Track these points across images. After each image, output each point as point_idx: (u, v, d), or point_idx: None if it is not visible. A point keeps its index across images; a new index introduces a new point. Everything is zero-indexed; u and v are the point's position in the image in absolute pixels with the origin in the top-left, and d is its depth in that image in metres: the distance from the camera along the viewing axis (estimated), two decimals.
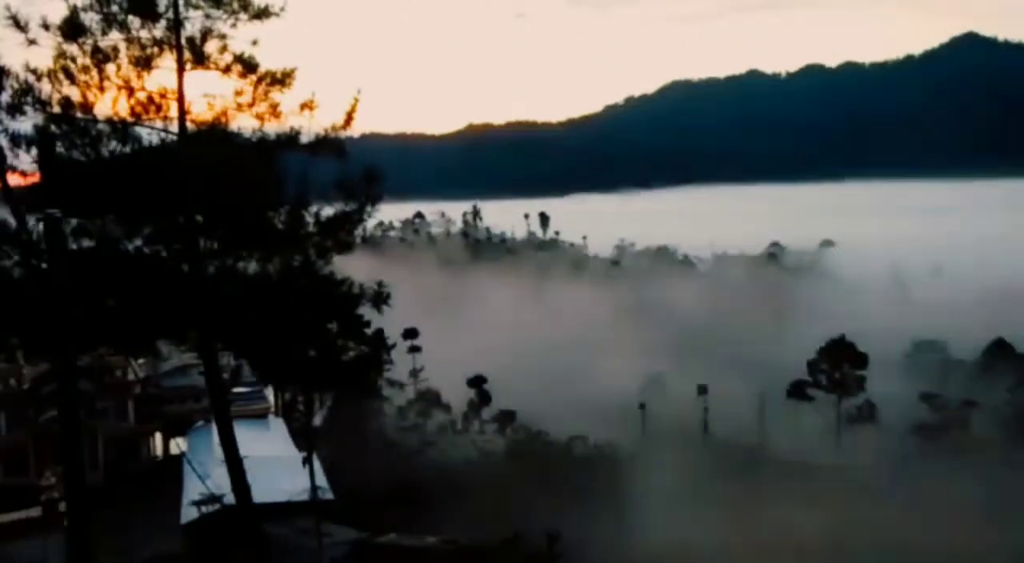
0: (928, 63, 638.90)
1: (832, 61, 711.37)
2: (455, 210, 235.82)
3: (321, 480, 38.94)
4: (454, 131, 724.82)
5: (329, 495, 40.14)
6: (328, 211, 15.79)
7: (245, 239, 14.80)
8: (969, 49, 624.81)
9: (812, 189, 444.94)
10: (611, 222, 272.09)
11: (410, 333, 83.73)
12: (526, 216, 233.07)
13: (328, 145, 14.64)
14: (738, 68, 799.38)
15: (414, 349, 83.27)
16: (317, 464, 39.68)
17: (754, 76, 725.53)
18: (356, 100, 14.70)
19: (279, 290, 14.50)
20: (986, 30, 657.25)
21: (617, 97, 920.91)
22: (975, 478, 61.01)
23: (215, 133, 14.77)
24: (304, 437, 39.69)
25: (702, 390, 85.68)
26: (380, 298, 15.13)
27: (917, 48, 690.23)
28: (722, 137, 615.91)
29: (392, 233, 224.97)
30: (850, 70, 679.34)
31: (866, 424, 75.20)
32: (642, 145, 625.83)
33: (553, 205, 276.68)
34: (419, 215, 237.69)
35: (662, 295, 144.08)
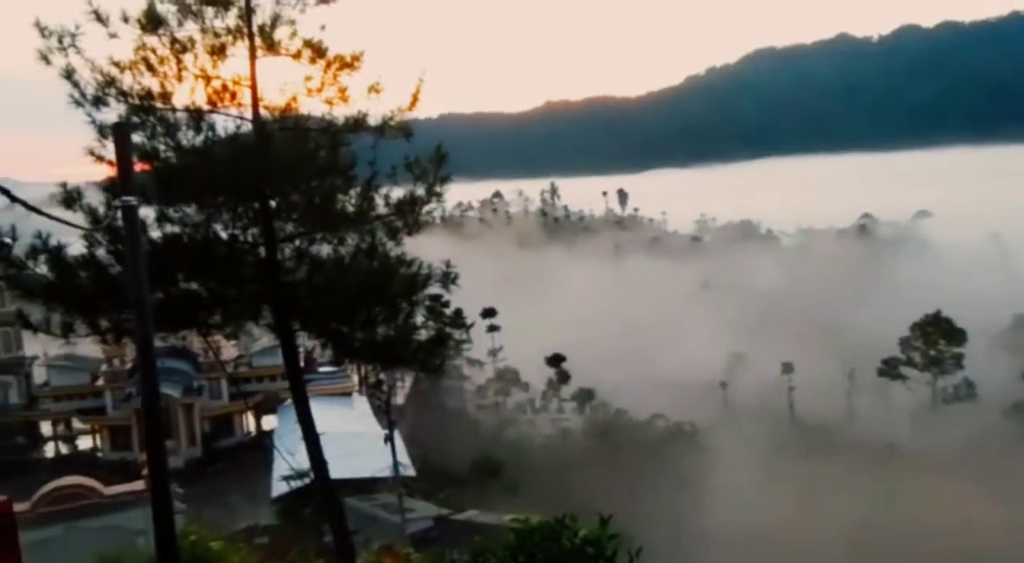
0: None
1: (929, 21, 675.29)
2: (533, 188, 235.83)
3: (403, 457, 39.84)
4: (532, 109, 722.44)
5: (411, 472, 41.10)
6: (398, 193, 15.90)
7: (317, 222, 15.09)
8: None
9: (906, 156, 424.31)
10: (692, 197, 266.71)
11: (489, 312, 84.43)
12: (604, 193, 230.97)
13: (395, 127, 14.70)
14: (827, 32, 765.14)
15: (493, 328, 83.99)
16: (399, 441, 40.61)
17: (844, 40, 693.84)
18: (420, 81, 14.69)
19: (350, 271, 14.75)
20: None
21: (698, 68, 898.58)
22: None
23: (287, 119, 15.05)
24: (387, 415, 40.60)
25: (787, 368, 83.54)
26: (448, 278, 15.19)
27: (1022, 4, 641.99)
28: (809, 106, 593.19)
29: (471, 213, 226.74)
30: (949, 29, 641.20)
31: (963, 404, 71.70)
32: (724, 117, 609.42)
33: (632, 181, 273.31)
34: (497, 194, 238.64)
35: (745, 271, 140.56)
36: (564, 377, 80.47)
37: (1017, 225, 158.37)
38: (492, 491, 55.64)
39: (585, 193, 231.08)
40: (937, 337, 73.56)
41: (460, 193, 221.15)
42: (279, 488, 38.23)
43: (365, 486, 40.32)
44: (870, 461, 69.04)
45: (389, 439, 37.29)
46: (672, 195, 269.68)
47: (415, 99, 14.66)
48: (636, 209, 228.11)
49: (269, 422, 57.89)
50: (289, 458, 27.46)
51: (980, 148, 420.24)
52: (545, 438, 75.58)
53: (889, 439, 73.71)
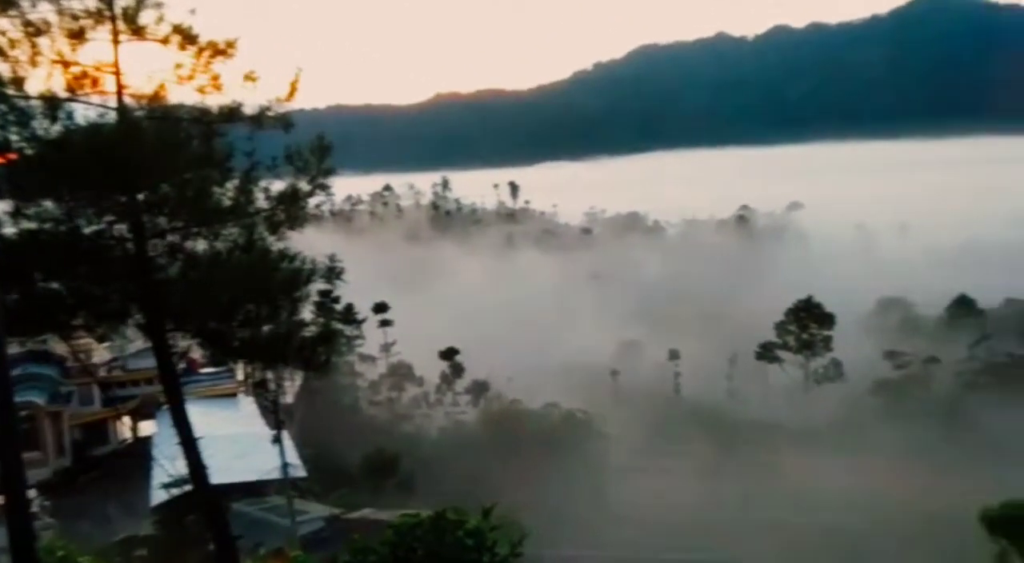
0: (894, 23, 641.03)
1: (799, 22, 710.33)
2: (424, 181, 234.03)
3: (292, 457, 38.73)
4: (422, 101, 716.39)
5: (301, 472, 40.01)
6: (281, 186, 15.35)
7: (191, 215, 14.38)
8: (932, 8, 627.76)
9: (780, 151, 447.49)
10: (581, 190, 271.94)
11: (380, 307, 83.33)
12: (495, 186, 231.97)
13: (273, 117, 14.16)
14: (706, 31, 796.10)
15: (385, 323, 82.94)
16: (288, 441, 39.47)
17: (722, 39, 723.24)
18: (299, 71, 14.22)
19: (227, 267, 14.12)
20: None
21: (586, 63, 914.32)
22: (932, 432, 62.63)
23: (155, 107, 14.24)
24: (274, 415, 39.38)
25: (674, 355, 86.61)
26: (333, 273, 14.81)
27: (883, 7, 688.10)
28: (691, 101, 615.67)
29: (361, 206, 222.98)
30: (817, 31, 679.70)
31: (833, 383, 76.52)
32: (611, 111, 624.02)
33: (523, 174, 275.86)
34: (388, 187, 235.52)
35: (633, 261, 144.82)
36: (458, 370, 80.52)
37: (880, 216, 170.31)
38: (387, 488, 55.11)
39: (477, 186, 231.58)
40: (809, 321, 78.11)
41: (350, 186, 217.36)
42: (158, 496, 36.37)
43: (254, 489, 38.98)
44: (750, 439, 72.76)
45: (277, 440, 36.19)
46: (562, 188, 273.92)
47: (294, 89, 14.18)
48: (527, 202, 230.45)
49: (148, 428, 55.06)
50: (168, 464, 26.16)
51: (847, 143, 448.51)
52: (440, 431, 75.48)
53: (767, 418, 77.84)
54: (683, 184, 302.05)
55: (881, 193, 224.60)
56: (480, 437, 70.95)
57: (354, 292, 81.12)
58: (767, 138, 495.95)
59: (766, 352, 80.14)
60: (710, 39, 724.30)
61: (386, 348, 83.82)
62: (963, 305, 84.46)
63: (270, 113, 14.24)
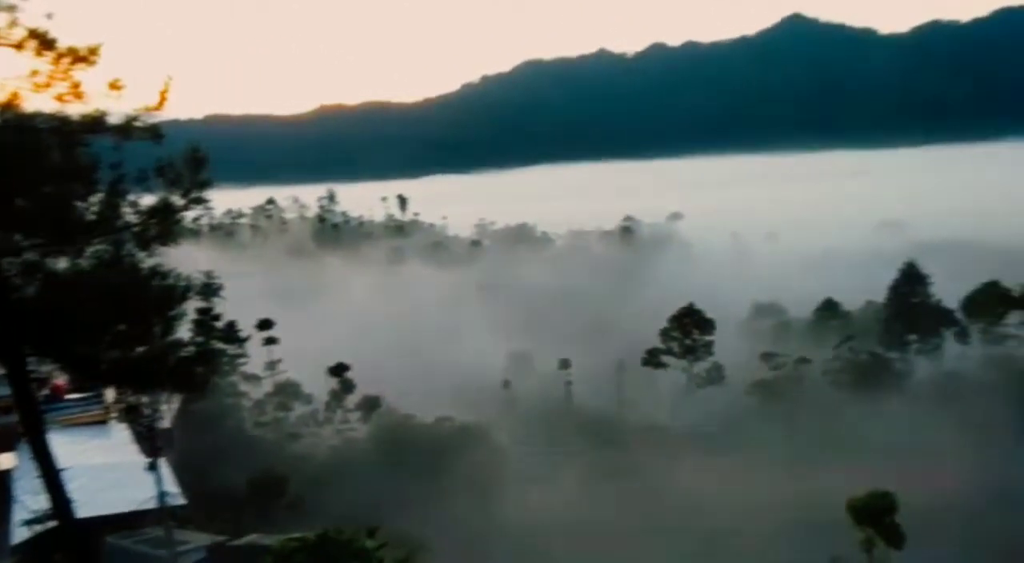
0: (761, 43, 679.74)
1: (675, 40, 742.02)
2: (309, 194, 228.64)
3: (170, 485, 36.69)
4: (305, 112, 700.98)
5: (180, 500, 37.95)
6: (151, 200, 14.57)
7: (51, 231, 13.42)
8: (795, 30, 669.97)
9: (660, 164, 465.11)
10: (471, 202, 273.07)
11: (265, 324, 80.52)
12: (384, 199, 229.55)
13: (141, 128, 13.43)
14: (588, 47, 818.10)
15: (270, 341, 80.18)
16: (166, 468, 37.40)
17: (603, 55, 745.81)
18: (169, 79, 13.57)
19: (92, 286, 13.26)
20: (809, 12, 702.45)
21: (473, 76, 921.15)
22: (804, 428, 66.41)
23: (8, 116, 13.24)
24: (149, 441, 37.19)
25: (564, 364, 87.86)
26: (210, 290, 14.16)
27: (751, 28, 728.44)
28: (576, 116, 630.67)
29: (243, 220, 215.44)
30: (691, 49, 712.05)
31: (715, 386, 79.74)
32: (499, 124, 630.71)
33: (411, 187, 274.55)
34: (271, 201, 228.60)
35: (523, 273, 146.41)
36: (348, 386, 78.74)
37: (753, 225, 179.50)
38: (276, 511, 53.16)
39: (364, 199, 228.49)
40: (691, 327, 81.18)
41: (230, 199, 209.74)
42: (20, 534, 33.65)
43: (128, 522, 36.65)
44: (639, 443, 74.84)
45: (153, 467, 34.19)
46: (452, 200, 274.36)
47: (163, 98, 13.51)
48: (416, 214, 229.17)
49: (7, 461, 50.86)
50: (30, 499, 24.23)
51: (722, 157, 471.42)
52: (331, 450, 73.52)
53: (655, 422, 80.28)
54: (570, 196, 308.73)
55: (753, 204, 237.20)
56: (372, 454, 69.60)
57: (237, 309, 78.03)
58: (648, 151, 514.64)
59: (652, 358, 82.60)
60: (592, 55, 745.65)
61: (272, 366, 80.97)
62: (829, 308, 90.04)
63: (138, 123, 13.52)
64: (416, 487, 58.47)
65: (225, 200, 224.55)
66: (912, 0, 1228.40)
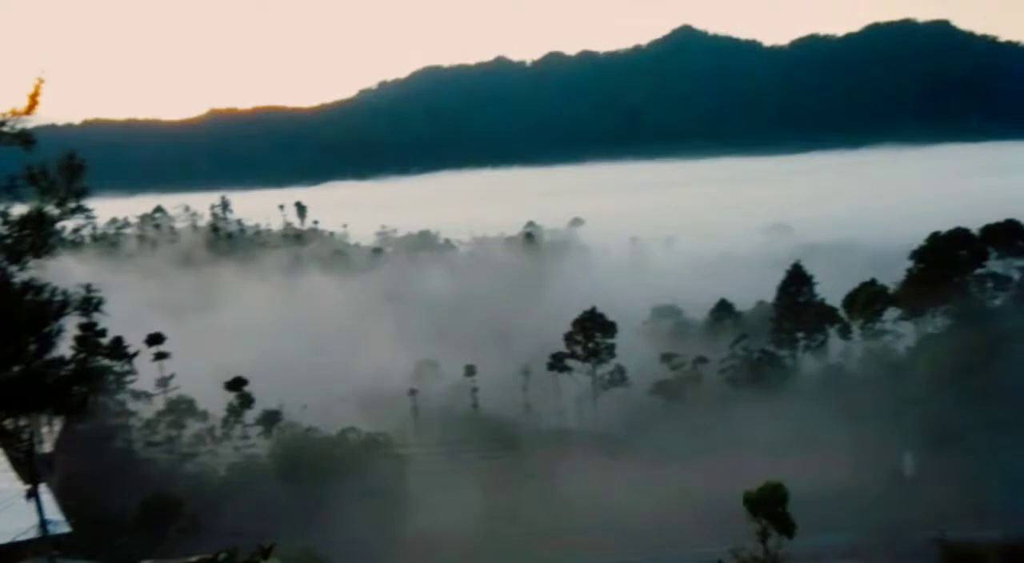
0: (653, 53, 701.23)
1: (571, 50, 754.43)
2: (201, 202, 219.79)
3: (52, 512, 34.35)
4: (195, 117, 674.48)
5: (64, 528, 35.57)
6: (23, 209, 13.50)
7: None
8: (685, 41, 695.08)
9: (560, 171, 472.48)
10: (371, 210, 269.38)
11: (155, 338, 76.66)
12: (281, 207, 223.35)
13: (9, 133, 12.41)
14: (486, 55, 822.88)
15: (161, 356, 76.39)
16: (47, 495, 34.96)
17: (501, 63, 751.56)
18: (40, 81, 12.60)
19: None
20: (698, 24, 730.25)
21: (370, 82, 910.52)
22: (703, 426, 68.72)
23: None
24: (28, 467, 34.65)
25: (470, 371, 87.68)
26: (90, 304, 13.21)
27: (644, 39, 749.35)
28: (475, 122, 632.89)
29: (128, 230, 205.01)
30: (588, 59, 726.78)
31: (617, 388, 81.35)
32: (399, 131, 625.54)
33: (310, 194, 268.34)
34: (159, 209, 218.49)
35: (427, 280, 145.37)
36: (247, 401, 75.96)
37: (651, 230, 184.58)
38: (170, 534, 50.65)
39: (260, 207, 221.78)
40: (593, 331, 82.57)
41: (114, 208, 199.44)
42: None
43: (7, 553, 34.06)
44: (544, 447, 75.59)
45: (33, 494, 31.90)
46: (352, 207, 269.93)
47: (33, 101, 12.52)
48: (316, 222, 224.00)
49: None
50: None
51: (619, 164, 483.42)
52: (229, 468, 70.78)
53: (560, 425, 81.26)
54: (472, 202, 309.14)
55: (650, 209, 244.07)
56: (273, 470, 67.42)
57: (125, 323, 74.12)
58: (548, 158, 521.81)
59: (557, 362, 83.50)
60: (491, 62, 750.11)
61: (163, 382, 77.10)
62: (723, 309, 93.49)
63: (5, 128, 12.49)
64: (319, 502, 56.96)
65: (109, 209, 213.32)
66: (792, 15, 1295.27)
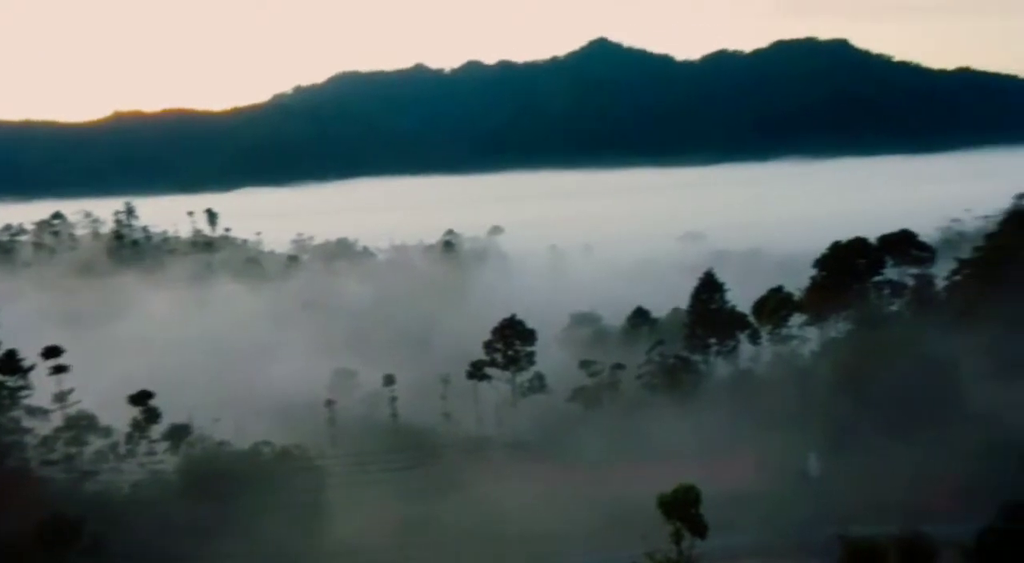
0: (570, 64, 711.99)
1: (490, 58, 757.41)
2: (104, 208, 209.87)
3: None
4: (98, 119, 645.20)
5: None
6: None
7: None
8: (601, 53, 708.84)
9: (480, 179, 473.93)
10: (287, 217, 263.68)
11: (52, 351, 72.68)
12: (190, 213, 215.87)
13: None
14: (405, 62, 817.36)
15: (59, 369, 72.46)
16: None
17: (420, 70, 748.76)
18: None
19: None
20: (613, 37, 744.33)
21: (285, 86, 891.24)
22: (620, 431, 69.91)
23: None
24: None
25: (389, 380, 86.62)
26: None
27: (561, 50, 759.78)
28: (394, 129, 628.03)
29: (23, 237, 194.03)
30: (506, 68, 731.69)
31: (537, 395, 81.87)
32: (315, 136, 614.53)
33: (221, 201, 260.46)
34: (58, 215, 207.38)
35: (344, 288, 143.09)
36: (153, 415, 72.82)
37: (569, 238, 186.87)
38: (70, 557, 48.02)
39: (168, 213, 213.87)
40: (513, 338, 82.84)
41: (9, 214, 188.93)
42: None
43: None
44: (464, 455, 75.53)
45: None
46: (266, 215, 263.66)
47: None
48: (228, 230, 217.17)
49: None
50: None
51: (538, 173, 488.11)
52: (134, 486, 67.66)
53: (479, 434, 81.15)
54: (390, 210, 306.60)
55: (569, 217, 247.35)
56: (182, 487, 64.84)
57: (19, 335, 70.23)
58: (467, 166, 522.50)
59: (476, 370, 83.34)
60: (409, 69, 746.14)
61: (61, 397, 73.06)
62: (640, 316, 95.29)
63: None
64: (230, 518, 55.07)
65: (3, 215, 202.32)
66: (702, 30, 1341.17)
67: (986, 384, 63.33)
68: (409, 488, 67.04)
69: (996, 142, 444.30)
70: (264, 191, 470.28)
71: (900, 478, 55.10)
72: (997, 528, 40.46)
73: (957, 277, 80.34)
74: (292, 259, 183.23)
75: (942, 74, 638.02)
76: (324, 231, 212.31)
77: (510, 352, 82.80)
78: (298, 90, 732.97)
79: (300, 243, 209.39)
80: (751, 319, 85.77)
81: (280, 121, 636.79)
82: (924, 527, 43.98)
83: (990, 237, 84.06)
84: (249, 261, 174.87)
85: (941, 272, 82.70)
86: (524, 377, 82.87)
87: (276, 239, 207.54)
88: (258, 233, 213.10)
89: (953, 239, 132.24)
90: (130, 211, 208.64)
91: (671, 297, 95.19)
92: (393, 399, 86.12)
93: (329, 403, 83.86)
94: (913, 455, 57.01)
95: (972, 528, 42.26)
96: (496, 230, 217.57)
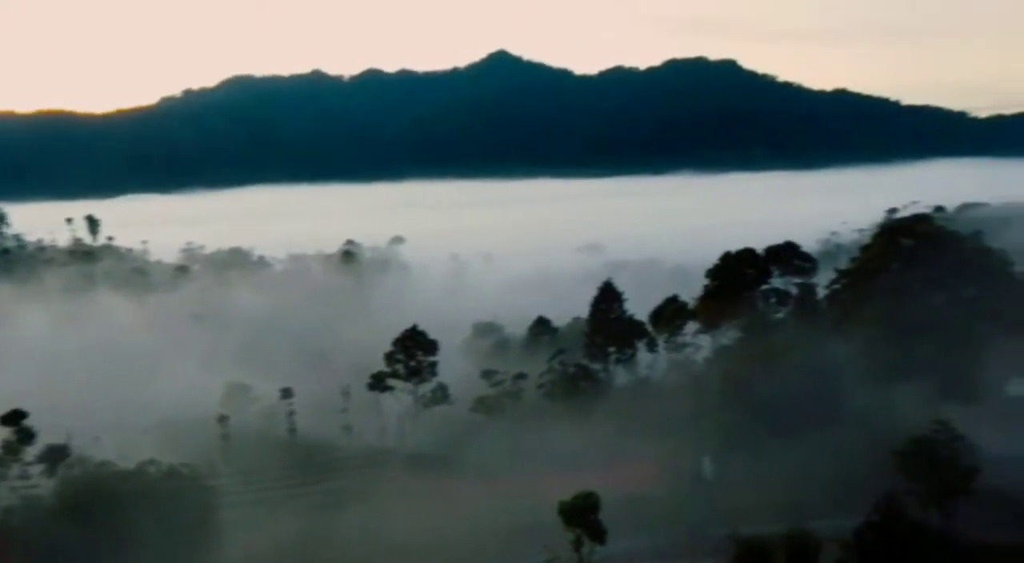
0: (470, 75, 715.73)
1: (390, 67, 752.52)
2: None
3: None
4: None
5: None
6: None
7: None
8: (501, 66, 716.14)
9: (379, 187, 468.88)
10: (176, 225, 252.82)
11: None
12: (69, 220, 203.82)
13: None
14: (302, 68, 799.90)
15: None
16: None
17: (318, 76, 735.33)
18: None
19: None
20: (514, 50, 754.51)
21: (174, 89, 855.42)
22: (523, 440, 70.37)
23: None
24: None
25: (286, 393, 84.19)
26: None
27: (462, 61, 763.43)
28: (290, 136, 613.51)
29: None
30: (407, 77, 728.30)
31: (440, 405, 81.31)
32: (206, 142, 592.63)
33: (103, 207, 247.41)
34: None
35: (239, 299, 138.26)
36: (26, 436, 68.07)
37: (470, 248, 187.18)
38: None
39: (44, 221, 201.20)
40: (415, 349, 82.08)
41: None
42: None
43: None
44: (364, 469, 74.20)
45: None
46: (153, 223, 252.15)
47: None
48: (111, 238, 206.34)
49: None
50: None
51: (439, 183, 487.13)
52: (4, 512, 62.78)
53: (381, 446, 79.90)
54: (287, 219, 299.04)
55: (470, 227, 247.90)
56: (58, 511, 60.57)
57: None
58: (366, 175, 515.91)
59: (378, 382, 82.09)
60: (306, 75, 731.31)
61: None
62: (541, 325, 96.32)
63: None
64: (111, 544, 52.02)
65: None
66: (600, 46, 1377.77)
67: (863, 387, 67.26)
68: (305, 505, 65.26)
69: (870, 160, 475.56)
70: (150, 198, 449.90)
71: (787, 478, 57.64)
72: (873, 522, 42.98)
73: (836, 286, 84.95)
74: (181, 269, 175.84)
75: (821, 95, 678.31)
76: (216, 240, 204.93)
77: (412, 363, 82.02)
78: (188, 93, 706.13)
79: (190, 252, 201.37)
80: (648, 327, 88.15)
81: (168, 125, 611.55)
82: (809, 524, 46.19)
83: (865, 249, 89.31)
84: (134, 271, 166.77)
85: (822, 281, 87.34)
86: (426, 388, 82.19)
87: (164, 248, 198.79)
88: (144, 242, 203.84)
89: (832, 250, 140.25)
90: (1, 217, 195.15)
91: (571, 307, 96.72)
92: (291, 413, 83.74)
93: (222, 419, 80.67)
94: (799, 456, 59.76)
95: (852, 523, 44.71)
96: (397, 240, 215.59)
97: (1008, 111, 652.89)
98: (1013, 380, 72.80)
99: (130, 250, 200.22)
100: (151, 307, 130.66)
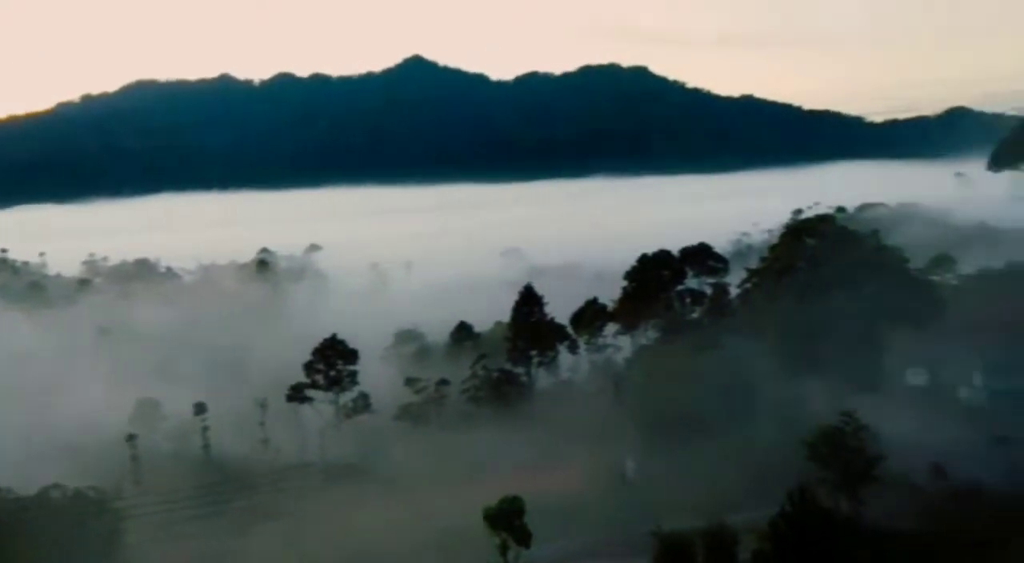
0: (385, 80, 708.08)
1: (303, 71, 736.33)
2: None
3: None
4: None
5: None
6: None
7: None
8: (416, 71, 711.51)
9: (294, 195, 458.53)
10: (76, 236, 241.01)
11: None
12: None
13: None
14: (210, 72, 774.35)
15: None
16: None
17: (226, 80, 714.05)
18: None
19: None
20: (429, 55, 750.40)
21: (72, 94, 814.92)
22: (448, 446, 70.02)
23: None
24: None
25: (200, 409, 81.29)
26: None
27: (377, 66, 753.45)
28: (196, 143, 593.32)
29: None
30: (320, 82, 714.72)
31: (362, 415, 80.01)
32: (106, 149, 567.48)
33: None
34: None
35: (146, 313, 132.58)
36: None
37: (390, 255, 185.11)
38: None
39: None
40: (335, 359, 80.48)
41: None
42: None
43: None
44: (283, 482, 72.38)
45: None
46: (51, 234, 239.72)
47: None
48: (4, 250, 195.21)
49: None
50: None
51: (355, 189, 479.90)
52: None
53: (300, 459, 78.04)
54: (197, 228, 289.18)
55: (389, 234, 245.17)
56: None
57: None
58: (279, 182, 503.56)
59: (297, 393, 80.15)
60: (214, 80, 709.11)
61: None
62: (463, 330, 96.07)
63: None
64: None
65: None
66: (514, 52, 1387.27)
67: (775, 382, 69.75)
68: (220, 524, 63.21)
69: (775, 163, 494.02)
70: (47, 208, 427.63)
71: (707, 474, 59.13)
72: (786, 512, 44.51)
73: (747, 285, 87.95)
74: (83, 282, 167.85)
75: (729, 100, 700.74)
76: (120, 251, 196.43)
77: (332, 373, 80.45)
78: (87, 99, 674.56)
79: (92, 265, 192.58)
80: (569, 330, 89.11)
81: (65, 132, 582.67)
82: (728, 517, 47.49)
83: (773, 249, 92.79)
84: (31, 286, 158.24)
85: (734, 281, 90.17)
86: (348, 398, 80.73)
87: (63, 261, 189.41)
88: (41, 254, 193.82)
89: (743, 251, 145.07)
90: None
91: (493, 312, 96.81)
92: (205, 429, 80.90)
93: (131, 438, 77.23)
94: (717, 452, 61.42)
95: (769, 514, 46.19)
96: (314, 248, 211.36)
97: (902, 116, 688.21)
98: (911, 370, 76.97)
99: (26, 263, 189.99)
100: (51, 323, 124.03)
